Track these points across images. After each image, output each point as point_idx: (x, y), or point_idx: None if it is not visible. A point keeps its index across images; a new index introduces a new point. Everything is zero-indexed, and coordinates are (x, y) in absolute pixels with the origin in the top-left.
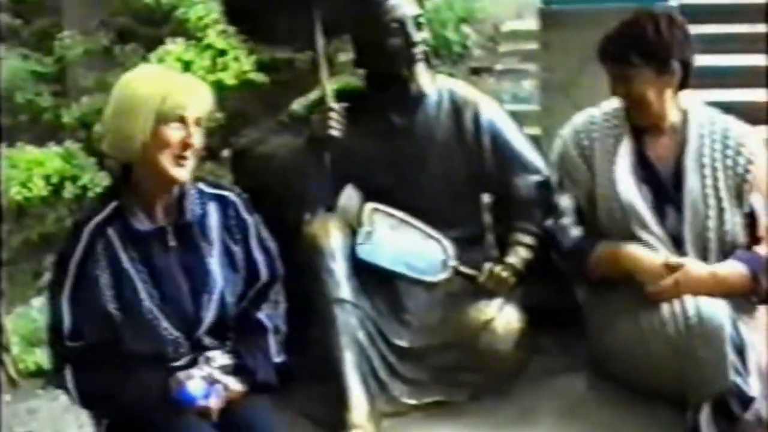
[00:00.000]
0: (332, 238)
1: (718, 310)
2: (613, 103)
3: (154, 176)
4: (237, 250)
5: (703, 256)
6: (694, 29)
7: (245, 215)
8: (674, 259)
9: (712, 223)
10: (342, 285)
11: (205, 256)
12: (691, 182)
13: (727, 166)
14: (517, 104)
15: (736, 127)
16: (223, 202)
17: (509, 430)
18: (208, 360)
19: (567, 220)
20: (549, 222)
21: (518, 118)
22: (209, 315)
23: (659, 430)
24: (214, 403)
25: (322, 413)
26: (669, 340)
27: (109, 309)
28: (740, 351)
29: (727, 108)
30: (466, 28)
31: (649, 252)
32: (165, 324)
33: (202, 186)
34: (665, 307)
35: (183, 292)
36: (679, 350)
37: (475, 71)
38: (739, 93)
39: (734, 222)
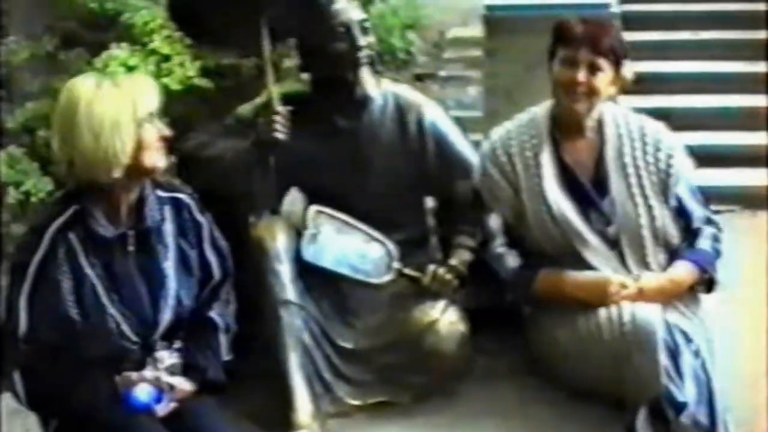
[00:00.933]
0: (277, 240)
1: (652, 316)
2: (529, 114)
3: (132, 178)
4: (191, 252)
5: (641, 255)
6: (637, 36)
7: (198, 217)
8: (625, 280)
9: (644, 221)
10: (287, 287)
11: (162, 261)
12: (616, 184)
13: (649, 162)
14: (462, 111)
15: (651, 123)
16: (177, 205)
17: (453, 431)
18: (155, 361)
19: (501, 248)
20: (486, 252)
21: (463, 124)
22: (166, 318)
23: (600, 429)
24: (162, 407)
25: (267, 414)
26: (606, 345)
27: (71, 314)
28: (674, 356)
29: (668, 114)
30: (410, 35)
31: (594, 275)
32: (125, 328)
33: (157, 190)
34: (602, 313)
35: (142, 296)
36: (615, 355)
37: (420, 78)
38: (682, 99)
39: (663, 217)
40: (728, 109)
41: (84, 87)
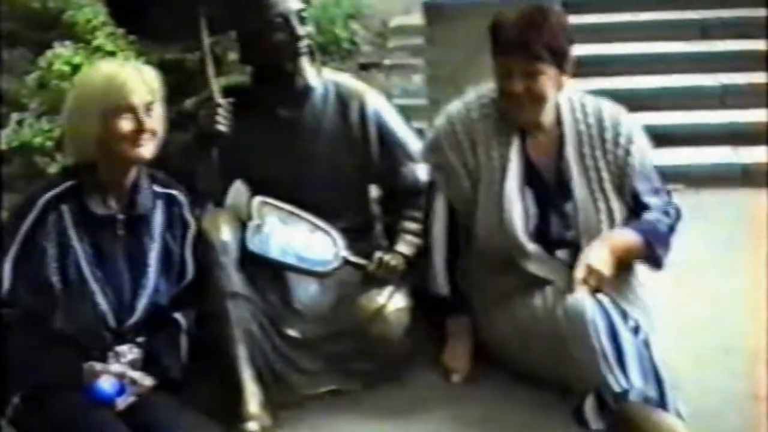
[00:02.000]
0: (222, 232)
1: (584, 305)
2: (489, 91)
3: (115, 164)
4: (175, 248)
5: None
6: (577, 19)
7: (188, 216)
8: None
9: (604, 226)
10: (233, 278)
11: (147, 250)
12: (578, 186)
13: (609, 159)
14: (407, 99)
15: (609, 110)
16: (170, 201)
17: (403, 417)
18: (117, 355)
19: (440, 236)
20: (435, 239)
21: (408, 112)
22: (142, 305)
23: (547, 410)
24: (122, 401)
25: (218, 406)
26: (543, 336)
27: (52, 280)
28: (615, 337)
29: (610, 95)
30: (354, 25)
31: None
32: (103, 305)
33: (154, 184)
34: (538, 303)
35: (123, 279)
36: (553, 345)
37: (364, 67)
38: (623, 81)
39: (621, 216)
40: (670, 89)
41: (86, 70)
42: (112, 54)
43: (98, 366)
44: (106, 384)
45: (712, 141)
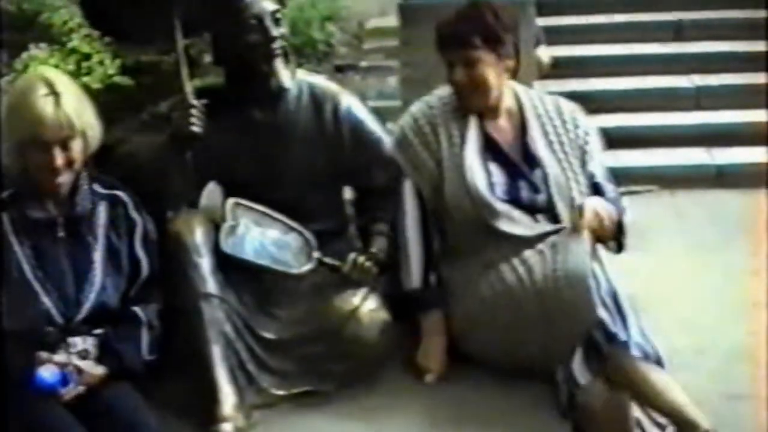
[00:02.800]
0: (196, 233)
1: (582, 255)
2: (446, 90)
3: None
4: (122, 247)
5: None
6: (553, 21)
7: (133, 215)
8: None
9: (576, 194)
10: (207, 280)
11: (91, 251)
12: (547, 159)
13: (571, 139)
14: (383, 100)
15: (565, 103)
16: (113, 201)
17: (377, 418)
18: (68, 345)
19: (412, 231)
20: (404, 233)
21: (383, 114)
22: (88, 304)
23: (526, 404)
24: (67, 390)
25: (191, 407)
26: (536, 287)
27: None
28: (614, 294)
29: (586, 97)
30: (330, 27)
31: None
32: (46, 301)
33: (95, 185)
34: (523, 266)
35: (67, 279)
36: (546, 295)
37: (340, 69)
38: (598, 82)
39: (587, 190)
40: (645, 91)
41: (17, 88)
42: (87, 56)
43: (43, 355)
44: (46, 373)
45: (687, 142)
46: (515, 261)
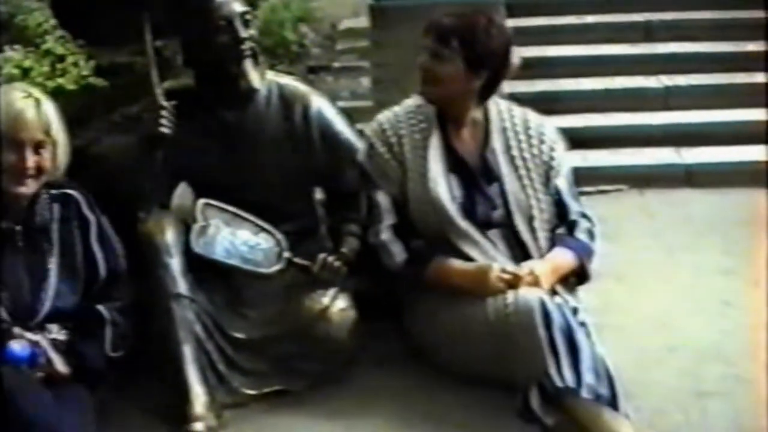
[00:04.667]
0: (167, 234)
1: (533, 298)
2: (416, 100)
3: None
4: (77, 247)
5: (533, 238)
6: (523, 22)
7: (86, 213)
8: (509, 268)
9: (536, 212)
10: (178, 280)
11: (47, 258)
12: (507, 174)
13: (534, 154)
14: (356, 101)
15: (534, 117)
16: (66, 201)
17: (348, 417)
18: (43, 330)
19: (385, 234)
20: (370, 236)
21: (355, 114)
22: (43, 311)
23: (494, 408)
24: (37, 366)
25: (163, 407)
26: (490, 327)
27: None
28: (569, 334)
29: (555, 98)
30: (303, 28)
31: (476, 265)
32: (3, 314)
33: (50, 189)
34: (480, 304)
35: (23, 290)
36: (499, 338)
37: (313, 70)
38: (568, 83)
39: (548, 206)
40: (614, 91)
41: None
42: (62, 58)
43: (17, 330)
44: (17, 346)
45: (656, 142)
46: (471, 297)
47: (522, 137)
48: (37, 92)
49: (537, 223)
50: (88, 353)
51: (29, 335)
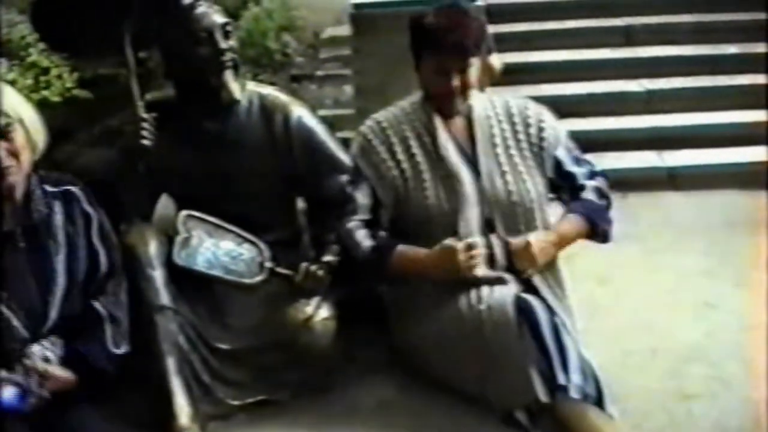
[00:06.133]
0: (149, 246)
1: (506, 297)
2: (408, 100)
3: None
4: (80, 242)
5: (515, 228)
6: (504, 28)
7: (88, 208)
8: (470, 241)
9: (515, 198)
10: (161, 292)
11: (52, 255)
12: (485, 164)
13: (520, 139)
14: (339, 109)
15: (516, 102)
16: (67, 198)
17: (332, 426)
18: (28, 356)
19: (353, 223)
20: (339, 227)
21: (338, 122)
22: (54, 311)
23: (477, 416)
24: (28, 403)
25: (147, 419)
26: (466, 328)
27: None
28: (557, 333)
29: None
30: (286, 37)
31: (440, 246)
32: (15, 323)
33: (46, 186)
34: (463, 302)
35: (31, 291)
36: (474, 340)
37: (297, 78)
38: (550, 88)
39: (538, 193)
40: (596, 95)
41: None
42: (46, 70)
43: (2, 374)
44: (6, 393)
45: (638, 145)
46: (450, 304)
47: (505, 126)
48: None
49: (519, 216)
50: (90, 353)
51: (15, 377)
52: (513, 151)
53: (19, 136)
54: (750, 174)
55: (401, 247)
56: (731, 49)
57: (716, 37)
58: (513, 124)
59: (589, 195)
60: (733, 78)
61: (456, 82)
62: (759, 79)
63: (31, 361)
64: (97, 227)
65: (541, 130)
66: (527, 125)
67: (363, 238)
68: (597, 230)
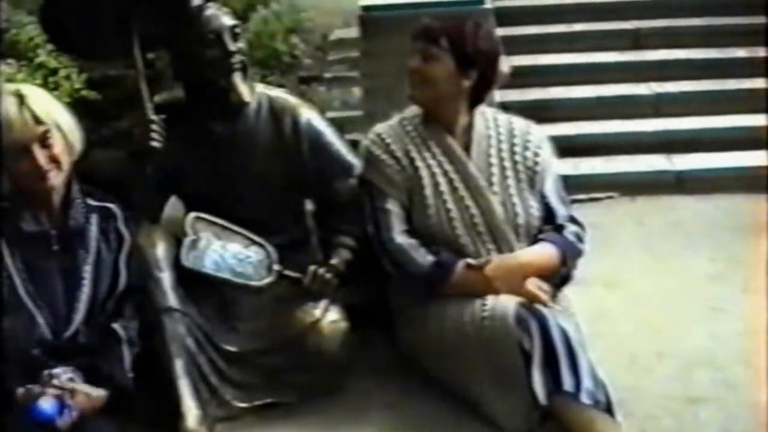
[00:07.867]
0: (157, 248)
1: (508, 307)
2: (407, 112)
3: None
4: (107, 258)
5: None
6: (513, 31)
7: (123, 229)
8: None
9: (502, 216)
10: (169, 294)
11: (82, 263)
12: (477, 181)
13: (516, 160)
14: (347, 111)
15: (520, 123)
16: (105, 214)
17: (339, 428)
18: (51, 377)
19: (401, 237)
20: (386, 245)
21: (347, 124)
22: (79, 317)
23: (485, 420)
24: (64, 421)
25: (155, 421)
26: (468, 334)
27: None
28: (567, 340)
29: (546, 106)
30: (294, 39)
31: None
32: (40, 320)
33: (89, 198)
34: (466, 311)
35: (57, 293)
36: (475, 347)
37: (305, 80)
38: (558, 91)
39: (528, 213)
40: (605, 99)
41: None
42: (54, 71)
43: (36, 387)
44: (45, 404)
45: (647, 149)
46: (455, 312)
47: (504, 146)
48: (22, 88)
49: (508, 233)
50: (115, 373)
51: (51, 391)
52: (509, 172)
53: (57, 142)
54: (759, 178)
55: (461, 264)
56: (740, 52)
57: (725, 40)
58: (513, 145)
59: (569, 236)
60: (741, 81)
61: (414, 63)
62: None
63: (59, 381)
64: (127, 249)
65: (536, 155)
66: (526, 148)
67: (422, 255)
68: (564, 268)
